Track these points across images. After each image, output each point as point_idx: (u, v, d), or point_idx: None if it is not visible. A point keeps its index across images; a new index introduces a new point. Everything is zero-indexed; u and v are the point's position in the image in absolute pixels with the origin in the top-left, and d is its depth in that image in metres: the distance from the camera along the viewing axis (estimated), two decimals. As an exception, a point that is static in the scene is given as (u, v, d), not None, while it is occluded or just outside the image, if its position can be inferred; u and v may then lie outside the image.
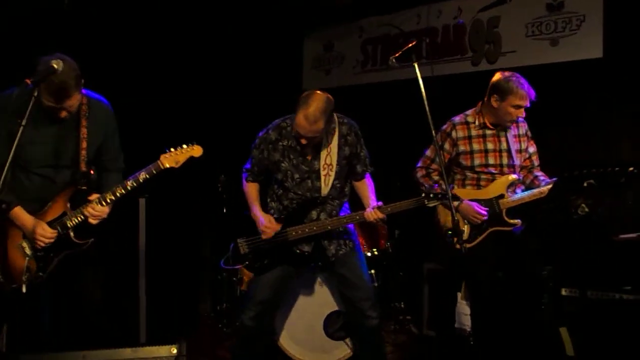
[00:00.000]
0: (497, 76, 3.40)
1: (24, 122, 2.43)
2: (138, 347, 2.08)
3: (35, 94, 2.47)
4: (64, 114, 2.67)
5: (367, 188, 3.23)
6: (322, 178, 3.11)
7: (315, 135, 2.93)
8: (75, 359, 1.99)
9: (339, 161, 3.12)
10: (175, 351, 2.09)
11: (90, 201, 2.78)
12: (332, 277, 3.31)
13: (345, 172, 3.20)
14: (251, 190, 3.28)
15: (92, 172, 2.87)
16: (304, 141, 2.96)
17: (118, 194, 2.79)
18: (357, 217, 3.08)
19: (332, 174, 3.11)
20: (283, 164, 3.12)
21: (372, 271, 4.28)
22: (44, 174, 2.80)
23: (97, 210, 2.77)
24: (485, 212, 3.33)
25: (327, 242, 3.17)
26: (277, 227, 3.11)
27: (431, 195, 2.97)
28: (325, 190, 3.13)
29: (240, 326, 3.25)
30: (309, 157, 3.11)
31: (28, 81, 2.54)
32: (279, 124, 3.17)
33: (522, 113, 3.37)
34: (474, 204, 3.37)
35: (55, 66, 2.50)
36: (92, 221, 2.79)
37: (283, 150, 3.12)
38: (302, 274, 3.71)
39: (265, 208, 3.27)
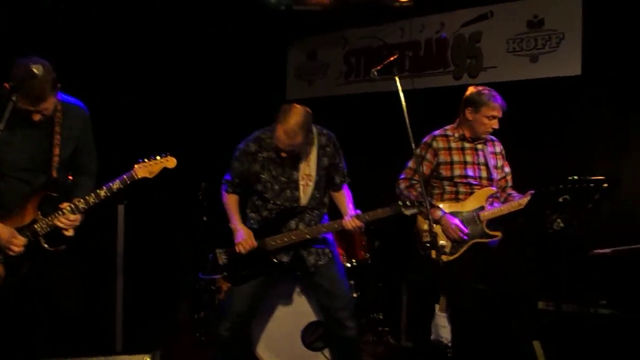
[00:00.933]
0: (469, 90, 3.52)
1: (1, 127, 2.41)
2: (112, 356, 2.06)
3: (14, 98, 2.45)
4: (37, 117, 2.65)
5: (345, 198, 3.25)
6: (301, 188, 3.13)
7: (294, 148, 2.98)
8: (48, 367, 1.97)
9: (317, 171, 3.15)
10: (149, 360, 2.08)
11: (61, 209, 2.74)
12: (311, 287, 3.31)
13: (323, 183, 3.22)
14: (231, 202, 3.27)
15: (69, 177, 2.85)
16: (283, 154, 3.01)
17: (91, 202, 2.76)
18: (336, 225, 3.10)
19: (311, 184, 3.13)
20: (263, 175, 3.14)
21: (351, 282, 4.28)
22: (21, 177, 2.76)
23: (70, 219, 2.74)
24: (466, 231, 3.36)
25: (305, 252, 3.18)
26: (253, 244, 3.11)
27: (408, 203, 3.02)
28: (304, 200, 3.14)
29: (217, 337, 3.24)
30: (288, 167, 3.13)
31: (7, 85, 2.53)
32: (258, 136, 3.19)
33: (496, 124, 3.44)
34: (457, 221, 3.39)
35: (35, 71, 2.50)
36: (67, 233, 2.75)
37: (263, 162, 3.14)
38: (280, 284, 3.71)
39: (244, 218, 3.27)
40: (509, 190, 3.57)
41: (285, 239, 3.12)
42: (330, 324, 3.27)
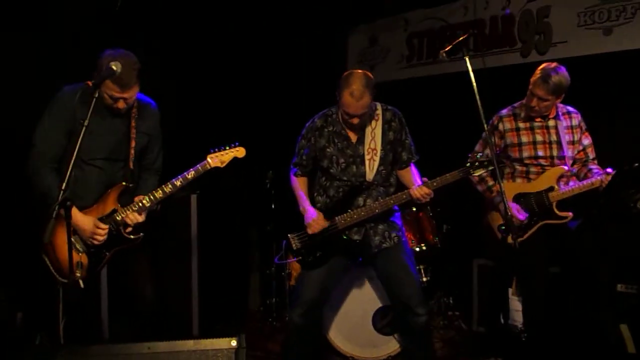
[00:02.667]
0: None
1: (86, 123, 2.52)
2: (200, 339, 2.14)
3: (97, 95, 2.57)
4: (122, 104, 2.78)
5: (411, 175, 3.22)
6: (367, 163, 3.13)
7: (364, 111, 2.98)
8: (141, 349, 2.06)
9: (383, 146, 3.14)
10: (235, 343, 2.14)
11: (133, 201, 2.88)
12: (378, 271, 3.29)
13: (389, 159, 3.20)
14: (298, 184, 3.31)
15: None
16: (355, 120, 3.02)
17: (159, 197, 2.87)
18: (404, 196, 3.06)
19: (377, 159, 3.13)
20: (328, 149, 3.17)
21: (421, 266, 4.27)
22: (98, 165, 2.89)
23: (137, 218, 2.87)
24: (522, 217, 3.27)
25: (372, 232, 3.17)
26: (324, 223, 3.13)
27: (477, 164, 2.96)
28: (370, 175, 3.14)
29: (290, 323, 3.28)
30: (353, 141, 3.14)
31: (90, 83, 2.65)
32: (324, 112, 3.25)
33: (543, 105, 3.30)
34: (515, 206, 3.32)
35: (114, 68, 2.61)
36: (129, 229, 2.89)
37: (329, 136, 3.17)
38: (351, 271, 3.72)
39: (312, 202, 3.29)
40: (591, 165, 3.42)
41: (355, 216, 3.12)
42: (400, 310, 3.25)
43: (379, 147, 3.13)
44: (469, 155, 3.51)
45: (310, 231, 3.14)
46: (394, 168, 3.25)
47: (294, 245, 3.22)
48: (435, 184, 3.02)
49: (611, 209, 2.78)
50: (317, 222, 3.12)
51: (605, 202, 2.80)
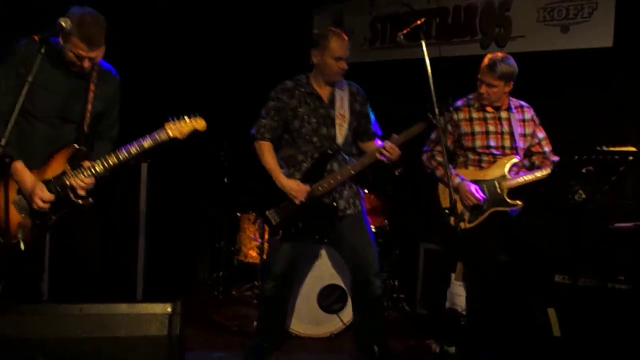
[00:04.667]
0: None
1: (30, 78, 2.44)
2: (134, 304, 2.12)
3: (43, 50, 2.49)
4: (87, 64, 2.68)
5: (376, 145, 3.27)
6: (337, 126, 3.17)
7: (349, 51, 3.16)
8: (73, 311, 2.04)
9: (351, 113, 3.21)
10: (169, 309, 2.13)
11: (82, 166, 2.77)
12: (338, 240, 3.32)
13: (354, 128, 3.25)
14: (269, 153, 3.21)
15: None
16: (344, 65, 3.12)
17: (111, 163, 2.76)
18: (377, 153, 3.09)
19: (345, 124, 3.18)
20: (300, 109, 3.18)
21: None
22: (50, 123, 2.79)
23: (84, 181, 2.75)
24: (480, 197, 3.35)
25: (338, 196, 3.20)
26: (306, 187, 3.12)
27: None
28: (340, 139, 3.18)
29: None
30: (326, 101, 3.18)
31: (35, 37, 2.57)
32: (293, 77, 3.27)
33: (492, 92, 3.36)
34: (472, 185, 3.39)
35: (63, 24, 2.52)
36: (80, 192, 2.76)
37: (300, 97, 3.19)
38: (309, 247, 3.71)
39: None
40: (552, 157, 3.49)
41: (332, 181, 3.13)
42: (356, 280, 3.31)
43: (347, 114, 3.19)
44: (425, 148, 3.56)
45: (298, 200, 3.11)
46: (356, 137, 3.30)
47: (273, 220, 3.18)
48: (402, 137, 3.08)
49: (551, 198, 2.86)
50: (301, 190, 3.11)
51: (546, 192, 2.89)
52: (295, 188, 3.11)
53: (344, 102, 3.20)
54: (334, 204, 3.17)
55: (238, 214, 4.96)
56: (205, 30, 5.22)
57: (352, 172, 3.13)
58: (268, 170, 3.21)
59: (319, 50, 3.13)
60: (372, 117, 3.35)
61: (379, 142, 3.28)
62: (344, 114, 3.18)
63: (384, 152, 3.06)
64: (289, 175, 3.18)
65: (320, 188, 3.13)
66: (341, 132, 3.17)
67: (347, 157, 3.22)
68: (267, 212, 3.20)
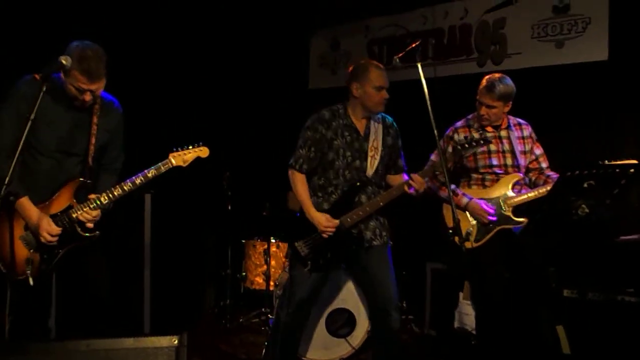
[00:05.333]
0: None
1: (32, 116, 2.47)
2: (140, 337, 2.12)
3: (44, 88, 2.52)
4: (88, 97, 2.71)
5: (403, 178, 3.30)
6: (369, 159, 3.18)
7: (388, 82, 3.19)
8: (79, 347, 2.03)
9: (384, 147, 3.23)
10: (176, 342, 2.12)
11: (89, 199, 2.80)
12: (360, 271, 3.31)
13: (385, 162, 3.27)
14: (302, 185, 3.21)
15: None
16: (386, 94, 3.16)
17: (116, 194, 2.80)
18: (405, 186, 3.10)
19: (378, 157, 3.20)
20: (336, 142, 3.17)
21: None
22: (54, 157, 2.82)
23: (92, 215, 2.79)
24: (492, 211, 3.36)
25: (364, 227, 3.19)
26: (335, 222, 3.11)
27: (466, 145, 3.05)
28: (370, 171, 3.18)
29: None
30: (362, 134, 3.20)
31: (37, 76, 2.60)
32: (329, 107, 3.27)
33: (492, 112, 3.39)
34: (482, 202, 3.40)
35: (64, 62, 2.57)
36: (88, 225, 2.81)
37: (337, 129, 3.19)
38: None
39: None
40: (548, 172, 3.50)
41: (360, 213, 3.13)
42: (374, 312, 3.27)
43: (380, 147, 3.20)
44: (429, 187, 3.57)
45: (326, 235, 3.11)
46: (385, 171, 3.32)
47: (301, 252, 3.17)
48: (432, 169, 3.12)
49: (553, 215, 2.86)
50: (330, 223, 3.10)
51: (548, 208, 2.88)
52: (324, 223, 3.11)
53: (378, 135, 3.23)
54: (361, 234, 3.18)
55: (243, 241, 4.96)
56: (205, 59, 5.28)
57: (380, 204, 3.14)
58: (299, 201, 3.22)
59: (360, 82, 3.14)
60: (401, 151, 3.37)
61: (406, 176, 3.28)
62: (377, 147, 3.20)
63: (413, 184, 3.07)
64: (318, 204, 3.19)
65: (349, 220, 3.14)
66: (372, 165, 3.19)
67: (376, 189, 3.23)
68: (295, 244, 3.20)
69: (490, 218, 3.36)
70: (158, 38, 4.88)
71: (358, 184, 3.16)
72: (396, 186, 3.15)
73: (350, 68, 3.25)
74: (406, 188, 3.08)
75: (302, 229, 3.17)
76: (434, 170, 3.14)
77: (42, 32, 4.02)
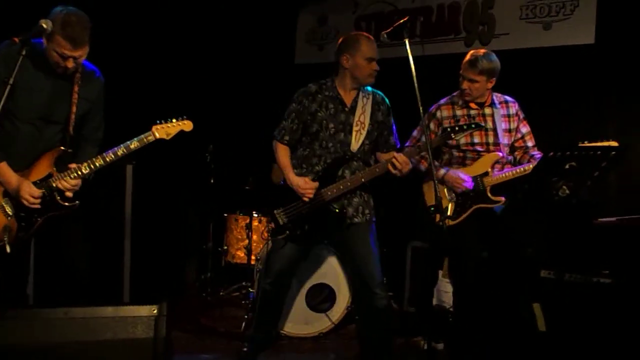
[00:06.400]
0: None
1: (10, 81, 2.43)
2: (119, 306, 2.11)
3: (24, 52, 2.47)
4: (71, 64, 2.66)
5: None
6: (354, 133, 3.17)
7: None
8: (58, 315, 2.02)
9: (371, 122, 3.21)
10: (155, 311, 2.12)
11: (69, 168, 2.77)
12: (343, 247, 3.33)
13: (374, 137, 3.25)
14: (284, 154, 3.25)
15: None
16: (376, 65, 3.17)
17: (97, 165, 2.77)
18: (388, 164, 3.07)
19: (364, 132, 3.18)
20: (320, 113, 3.18)
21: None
22: (34, 124, 2.77)
23: (71, 184, 2.76)
24: (468, 179, 3.37)
25: (347, 203, 3.19)
26: (315, 185, 3.12)
27: (457, 128, 3.05)
28: (355, 146, 3.17)
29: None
30: (348, 106, 3.19)
31: (16, 39, 2.55)
32: (318, 81, 3.27)
33: (474, 87, 3.39)
34: (459, 171, 3.41)
35: (44, 26, 2.52)
36: (67, 194, 2.78)
37: (322, 101, 3.20)
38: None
39: None
40: (532, 151, 3.52)
41: (341, 187, 3.13)
42: (360, 290, 3.26)
43: (367, 122, 3.18)
44: (407, 144, 3.57)
45: (307, 197, 3.11)
46: (375, 148, 3.30)
47: (280, 220, 3.18)
48: (417, 149, 3.10)
49: (534, 195, 2.88)
50: (310, 186, 3.11)
51: (529, 188, 2.90)
52: (302, 185, 3.11)
53: (366, 109, 3.21)
54: (343, 210, 3.18)
55: (225, 215, 4.95)
56: (190, 31, 5.20)
57: (362, 180, 3.13)
58: (280, 168, 3.25)
59: (350, 53, 3.13)
60: (394, 128, 3.35)
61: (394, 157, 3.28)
62: (363, 122, 3.18)
63: (396, 163, 3.04)
64: (301, 175, 3.19)
65: (329, 193, 3.13)
66: (357, 140, 3.17)
67: (361, 165, 3.22)
68: (275, 211, 3.20)
69: (466, 185, 3.36)
70: (144, 9, 4.79)
71: (347, 156, 3.15)
72: (380, 164, 3.14)
73: (340, 39, 3.23)
74: (390, 167, 3.06)
75: (283, 198, 3.17)
76: (420, 151, 3.14)
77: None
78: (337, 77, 3.24)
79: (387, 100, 3.32)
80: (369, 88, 3.27)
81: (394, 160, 3.04)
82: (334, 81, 3.24)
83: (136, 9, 4.74)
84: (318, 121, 3.17)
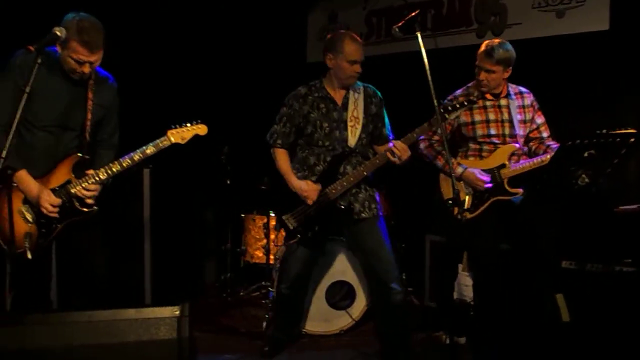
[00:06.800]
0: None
1: (27, 89, 2.46)
2: (142, 308, 2.13)
3: (39, 60, 2.50)
4: (87, 68, 2.70)
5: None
6: (350, 129, 3.17)
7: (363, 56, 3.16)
8: (81, 318, 2.04)
9: (365, 115, 3.21)
10: (178, 312, 2.13)
11: (87, 174, 2.80)
12: (355, 244, 3.33)
13: (370, 130, 3.24)
14: (283, 159, 3.26)
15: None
16: (359, 68, 3.12)
17: (115, 171, 2.81)
18: (388, 153, 3.06)
19: (359, 126, 3.19)
20: (312, 114, 3.19)
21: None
22: (51, 131, 2.81)
23: (91, 189, 2.79)
24: (487, 179, 3.36)
25: (354, 199, 3.20)
26: (317, 187, 3.12)
27: (449, 108, 3.00)
28: (352, 141, 3.18)
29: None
30: (339, 104, 3.18)
31: (31, 48, 2.57)
32: (307, 83, 3.28)
33: (491, 78, 3.34)
34: (476, 170, 3.39)
35: (58, 33, 2.56)
36: (87, 201, 2.81)
37: (312, 102, 3.21)
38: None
39: None
40: (548, 141, 3.48)
41: (345, 183, 3.13)
42: (376, 287, 3.27)
43: (361, 116, 3.19)
44: (425, 154, 3.53)
45: (310, 200, 3.11)
46: (372, 141, 3.29)
47: (290, 225, 3.19)
48: (414, 135, 3.06)
49: (554, 185, 2.84)
50: (311, 189, 3.11)
51: (548, 178, 2.87)
52: (305, 188, 3.12)
53: (359, 104, 3.21)
54: (350, 206, 3.16)
55: (242, 215, 4.96)
56: (202, 34, 5.22)
57: (364, 173, 3.12)
58: (282, 174, 3.24)
59: (333, 53, 3.13)
60: (387, 121, 3.34)
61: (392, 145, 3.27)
62: (357, 117, 3.18)
63: (396, 151, 3.02)
64: (304, 178, 3.20)
65: (333, 190, 3.13)
66: (354, 135, 3.17)
67: (360, 159, 3.21)
68: (283, 217, 3.20)
69: (487, 185, 3.35)
70: (156, 14, 4.82)
71: (346, 152, 3.15)
72: (379, 155, 3.13)
73: (328, 37, 3.23)
74: (389, 155, 3.05)
75: (290, 202, 3.18)
76: (415, 135, 3.07)
77: (36, 8, 3.95)
78: (325, 77, 3.25)
79: (378, 93, 3.32)
80: (359, 83, 3.25)
81: (392, 148, 3.03)
82: (323, 81, 3.25)
83: (149, 14, 4.77)
84: (312, 122, 3.18)
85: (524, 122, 3.48)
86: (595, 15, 4.11)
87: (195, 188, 5.10)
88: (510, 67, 3.37)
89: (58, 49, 2.67)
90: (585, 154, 2.67)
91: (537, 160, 3.32)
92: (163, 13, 4.88)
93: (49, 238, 2.83)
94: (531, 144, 3.53)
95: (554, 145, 3.41)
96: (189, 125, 2.90)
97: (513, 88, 3.53)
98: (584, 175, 2.73)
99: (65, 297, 3.41)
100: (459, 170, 3.42)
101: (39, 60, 2.50)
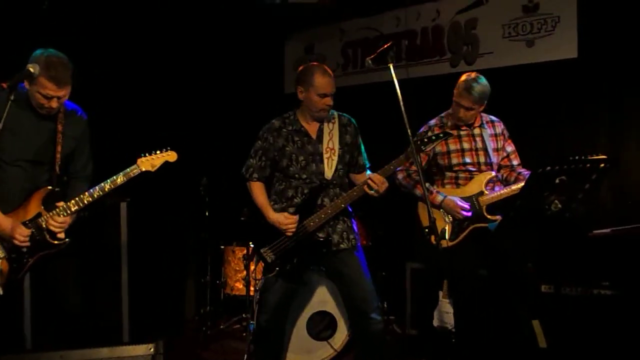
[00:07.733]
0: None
1: (0, 126, 2.45)
2: (115, 347, 2.09)
3: (12, 97, 2.50)
4: (55, 103, 2.70)
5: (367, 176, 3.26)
6: (326, 161, 3.16)
7: (335, 89, 3.13)
8: (53, 358, 2.00)
9: (341, 146, 3.20)
10: (152, 350, 2.10)
11: (57, 207, 2.79)
12: (333, 275, 3.31)
13: (346, 160, 3.24)
14: (260, 192, 3.23)
15: (64, 178, 2.91)
16: (330, 101, 3.11)
17: (86, 202, 2.80)
18: (365, 186, 3.05)
19: (335, 157, 3.18)
20: (287, 148, 3.17)
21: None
22: (21, 166, 2.81)
23: (59, 221, 2.78)
24: (467, 206, 3.39)
25: (331, 230, 3.18)
26: (294, 218, 3.10)
27: (425, 140, 3.02)
28: (329, 173, 3.17)
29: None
30: (314, 137, 3.18)
31: (4, 85, 2.58)
32: (281, 116, 3.27)
33: (470, 114, 3.42)
34: (456, 198, 3.43)
35: (32, 70, 2.57)
36: (57, 233, 2.79)
37: (287, 135, 3.19)
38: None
39: None
40: (519, 169, 3.54)
41: (323, 215, 3.11)
42: (355, 317, 3.25)
43: (336, 147, 3.18)
44: (404, 185, 3.56)
45: (289, 232, 3.10)
46: (349, 170, 3.30)
47: (268, 258, 3.16)
48: (391, 167, 3.06)
49: (527, 211, 2.88)
50: (289, 221, 3.08)
51: (522, 204, 2.91)
52: (283, 220, 3.10)
53: (334, 135, 3.20)
54: (329, 238, 3.17)
55: (222, 247, 4.93)
56: (179, 65, 5.24)
57: (342, 205, 3.12)
58: (259, 207, 3.22)
59: (304, 86, 3.12)
60: (363, 149, 3.34)
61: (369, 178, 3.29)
62: (333, 147, 3.18)
63: (372, 184, 3.03)
64: (282, 210, 3.18)
65: (312, 223, 3.12)
66: (330, 167, 3.17)
67: (337, 191, 3.22)
68: (261, 250, 3.18)
69: (465, 214, 3.38)
70: (129, 42, 4.84)
71: (323, 185, 3.15)
72: (357, 187, 3.14)
73: (299, 69, 3.23)
74: (366, 188, 3.05)
75: (268, 235, 3.16)
76: (391, 167, 3.09)
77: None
78: (299, 109, 3.24)
79: (353, 120, 3.32)
80: (333, 111, 3.26)
81: (369, 181, 3.04)
82: (296, 113, 3.24)
83: (125, 44, 4.79)
84: (287, 156, 3.18)
85: (497, 150, 3.55)
86: (564, 44, 4.23)
87: (173, 220, 5.07)
88: (486, 101, 3.43)
89: (26, 84, 2.68)
90: (557, 180, 2.70)
91: (514, 187, 3.36)
92: (139, 43, 4.91)
93: (21, 273, 2.79)
94: (502, 171, 3.59)
95: (525, 172, 3.47)
96: (158, 152, 2.91)
97: (484, 117, 3.60)
98: (556, 201, 2.77)
99: (40, 332, 3.35)
100: (439, 198, 3.45)
101: (12, 97, 2.50)
